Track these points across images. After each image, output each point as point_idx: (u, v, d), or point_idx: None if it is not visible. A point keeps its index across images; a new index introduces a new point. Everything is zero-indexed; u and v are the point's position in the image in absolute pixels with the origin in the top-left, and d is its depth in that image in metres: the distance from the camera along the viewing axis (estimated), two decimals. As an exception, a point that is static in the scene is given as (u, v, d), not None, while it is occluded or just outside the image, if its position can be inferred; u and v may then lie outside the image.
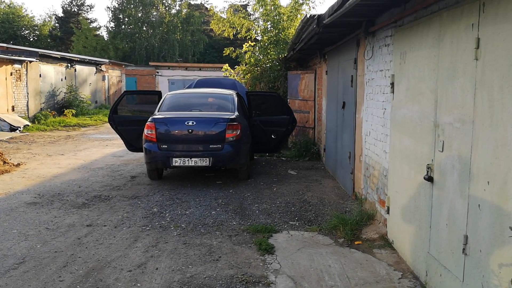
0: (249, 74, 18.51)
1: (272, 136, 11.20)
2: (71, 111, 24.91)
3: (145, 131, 9.69)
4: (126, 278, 5.15)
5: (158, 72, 44.19)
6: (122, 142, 16.08)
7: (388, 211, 6.30)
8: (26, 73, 21.85)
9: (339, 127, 9.96)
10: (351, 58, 8.81)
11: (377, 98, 7.10)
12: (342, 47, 9.77)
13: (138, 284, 5.00)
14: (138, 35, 56.58)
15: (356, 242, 6.39)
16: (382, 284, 5.04)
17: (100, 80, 33.90)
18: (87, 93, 29.73)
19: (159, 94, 11.42)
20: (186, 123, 9.55)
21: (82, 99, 27.39)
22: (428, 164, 4.73)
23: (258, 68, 18.12)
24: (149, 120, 9.78)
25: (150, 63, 46.68)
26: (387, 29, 6.63)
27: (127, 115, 11.39)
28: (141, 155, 13.13)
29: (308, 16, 8.37)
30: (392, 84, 6.14)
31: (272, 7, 17.90)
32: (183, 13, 57.48)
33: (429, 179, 4.68)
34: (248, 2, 21.24)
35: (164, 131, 9.60)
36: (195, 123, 9.56)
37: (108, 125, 23.50)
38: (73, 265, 5.52)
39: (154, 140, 9.55)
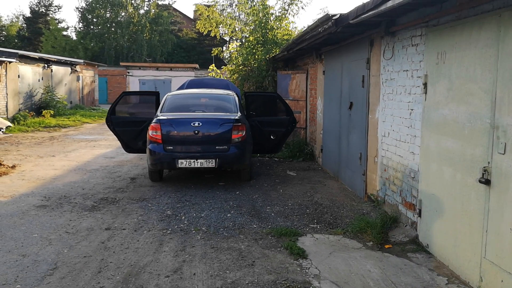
0: (236, 74, 18.35)
1: (272, 137, 11.04)
2: (49, 112, 24.28)
3: (150, 132, 9.41)
4: (167, 284, 4.93)
5: (129, 72, 43.73)
6: (109, 143, 16.07)
7: (420, 214, 6.20)
8: (6, 74, 21.16)
9: (344, 127, 9.85)
10: (362, 58, 8.71)
11: (399, 99, 7.01)
12: (348, 47, 9.66)
13: (182, 291, 4.80)
14: (107, 35, 56.18)
15: (386, 246, 6.26)
16: (430, 289, 4.95)
17: (75, 80, 33.15)
18: (63, 93, 29.03)
19: (157, 95, 11.15)
20: (192, 124, 9.33)
21: (58, 99, 26.77)
22: (484, 167, 4.62)
23: (245, 68, 17.97)
24: (153, 121, 9.50)
25: (121, 63, 46.11)
26: (414, 29, 6.54)
27: (125, 116, 11.04)
28: (132, 156, 12.90)
29: (329, 14, 8.25)
30: (425, 84, 6.05)
31: (261, 6, 17.75)
32: (151, 13, 57.25)
33: (486, 182, 4.58)
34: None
35: (170, 132, 9.34)
36: (201, 124, 9.34)
37: (88, 125, 23.35)
38: (107, 270, 5.27)
39: (160, 141, 9.28)
